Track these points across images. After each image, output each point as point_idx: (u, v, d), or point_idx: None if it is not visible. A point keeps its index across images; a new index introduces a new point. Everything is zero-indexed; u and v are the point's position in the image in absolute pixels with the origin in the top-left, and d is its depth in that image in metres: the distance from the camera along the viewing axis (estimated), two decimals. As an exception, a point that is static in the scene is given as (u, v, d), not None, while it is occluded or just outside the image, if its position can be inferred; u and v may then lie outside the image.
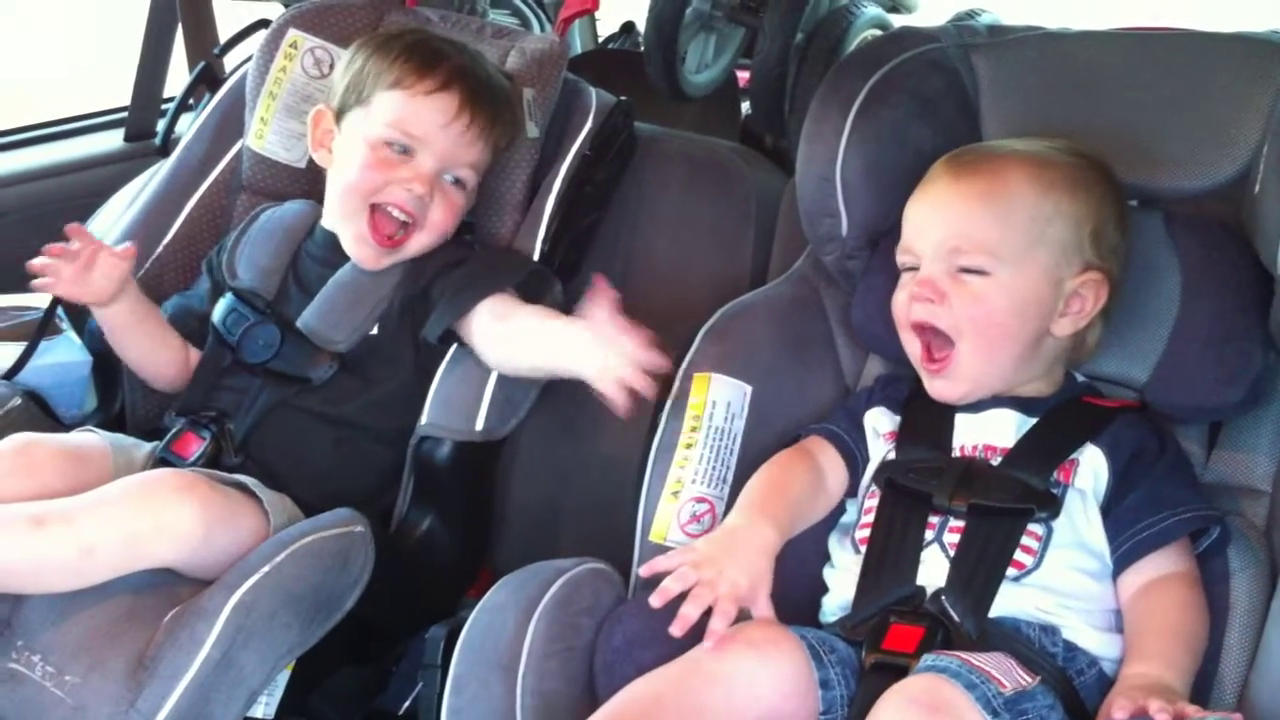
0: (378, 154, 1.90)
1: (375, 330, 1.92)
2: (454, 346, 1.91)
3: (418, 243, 1.92)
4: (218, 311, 1.96)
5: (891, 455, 1.61)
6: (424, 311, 1.90)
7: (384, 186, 1.90)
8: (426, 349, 1.91)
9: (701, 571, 1.47)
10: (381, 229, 1.91)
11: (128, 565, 1.64)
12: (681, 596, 1.47)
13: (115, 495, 1.66)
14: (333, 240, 1.96)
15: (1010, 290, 1.53)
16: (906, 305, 1.59)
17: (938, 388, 1.59)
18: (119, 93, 2.92)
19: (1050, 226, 1.54)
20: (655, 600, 1.46)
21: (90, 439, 1.87)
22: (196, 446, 1.87)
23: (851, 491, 1.65)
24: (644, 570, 1.51)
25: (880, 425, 1.64)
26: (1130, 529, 1.48)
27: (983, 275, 1.54)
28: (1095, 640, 1.47)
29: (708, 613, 1.46)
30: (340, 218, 1.95)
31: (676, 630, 1.44)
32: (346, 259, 1.94)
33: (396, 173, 1.89)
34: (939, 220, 1.57)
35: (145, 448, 1.90)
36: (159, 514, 1.64)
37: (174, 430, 1.90)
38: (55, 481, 1.75)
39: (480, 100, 1.92)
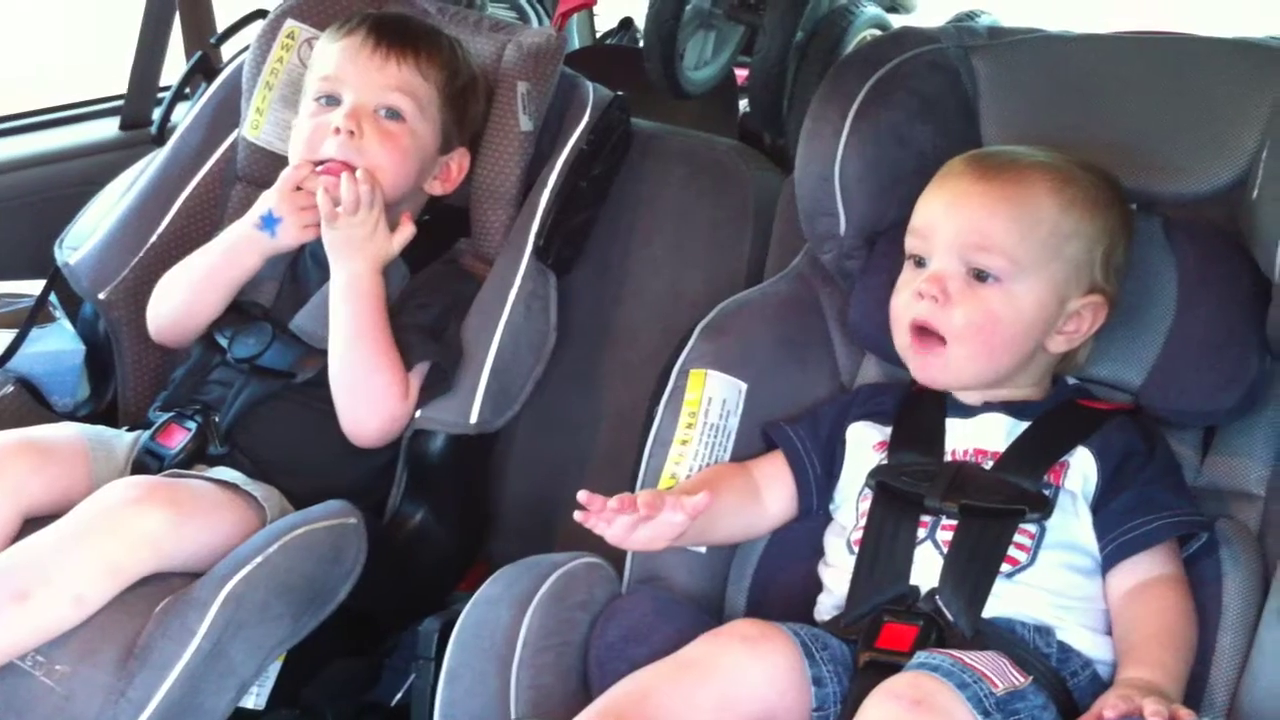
0: (311, 109, 1.93)
1: None
2: None
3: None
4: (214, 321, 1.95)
5: (883, 461, 1.60)
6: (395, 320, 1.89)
7: (320, 143, 1.88)
8: None
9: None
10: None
11: (118, 588, 1.63)
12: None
13: (78, 529, 1.64)
14: None
15: (1020, 302, 1.52)
16: (909, 303, 1.56)
17: (921, 368, 1.57)
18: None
19: (1068, 244, 1.53)
20: (578, 515, 1.48)
21: (66, 433, 1.85)
22: (181, 437, 1.87)
23: (800, 508, 1.64)
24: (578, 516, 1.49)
25: (868, 438, 1.63)
26: (1117, 529, 1.49)
27: (995, 282, 1.52)
28: (1090, 642, 1.47)
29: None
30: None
31: (580, 516, 1.47)
32: None
33: (325, 117, 1.89)
34: (959, 214, 1.54)
35: (127, 439, 1.89)
36: (126, 530, 1.63)
37: (159, 423, 1.89)
38: (30, 483, 1.75)
39: (388, 28, 1.93)
